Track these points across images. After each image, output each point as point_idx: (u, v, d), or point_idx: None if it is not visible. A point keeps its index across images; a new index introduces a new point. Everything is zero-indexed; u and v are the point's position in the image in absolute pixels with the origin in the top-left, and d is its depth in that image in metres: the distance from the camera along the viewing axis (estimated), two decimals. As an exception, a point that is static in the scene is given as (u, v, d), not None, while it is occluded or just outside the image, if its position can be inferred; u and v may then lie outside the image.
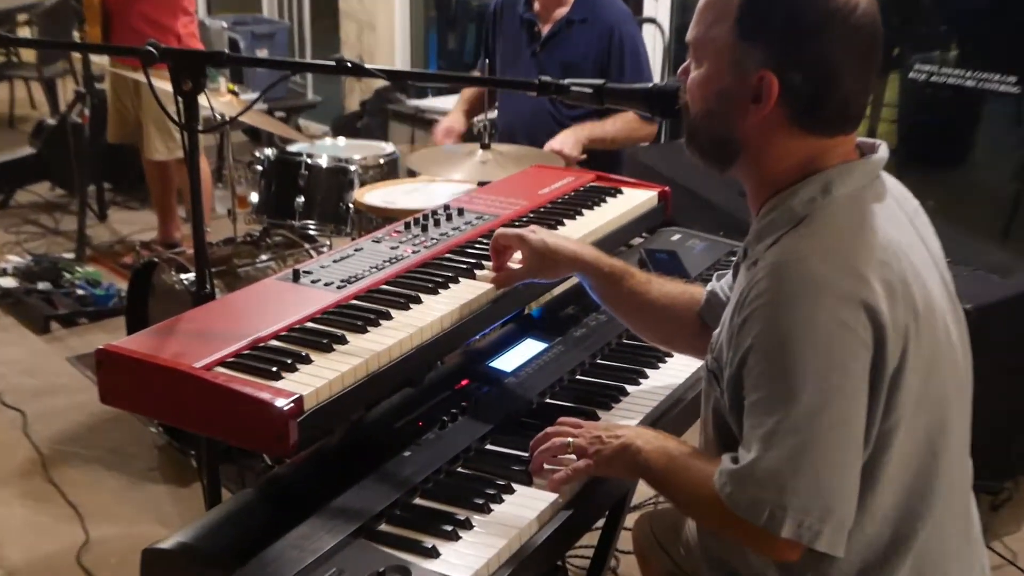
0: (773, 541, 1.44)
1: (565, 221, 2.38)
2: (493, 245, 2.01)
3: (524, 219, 2.38)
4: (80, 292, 4.77)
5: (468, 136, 3.45)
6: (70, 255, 5.30)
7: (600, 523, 2.24)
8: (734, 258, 2.08)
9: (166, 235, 5.30)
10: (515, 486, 1.72)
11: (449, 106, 5.13)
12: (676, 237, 2.76)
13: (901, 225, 1.55)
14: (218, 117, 2.67)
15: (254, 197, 3.93)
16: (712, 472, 1.50)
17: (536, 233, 1.96)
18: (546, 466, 1.74)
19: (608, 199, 2.56)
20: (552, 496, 1.69)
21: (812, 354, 1.40)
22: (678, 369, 2.17)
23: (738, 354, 1.49)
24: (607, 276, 1.95)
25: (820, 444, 1.40)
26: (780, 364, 1.42)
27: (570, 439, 1.73)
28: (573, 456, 1.72)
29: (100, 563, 2.99)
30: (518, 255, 2.02)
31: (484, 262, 2.07)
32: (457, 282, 1.99)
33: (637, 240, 2.88)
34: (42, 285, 4.84)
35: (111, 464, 3.52)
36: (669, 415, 2.02)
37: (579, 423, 1.77)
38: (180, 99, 1.92)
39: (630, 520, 2.32)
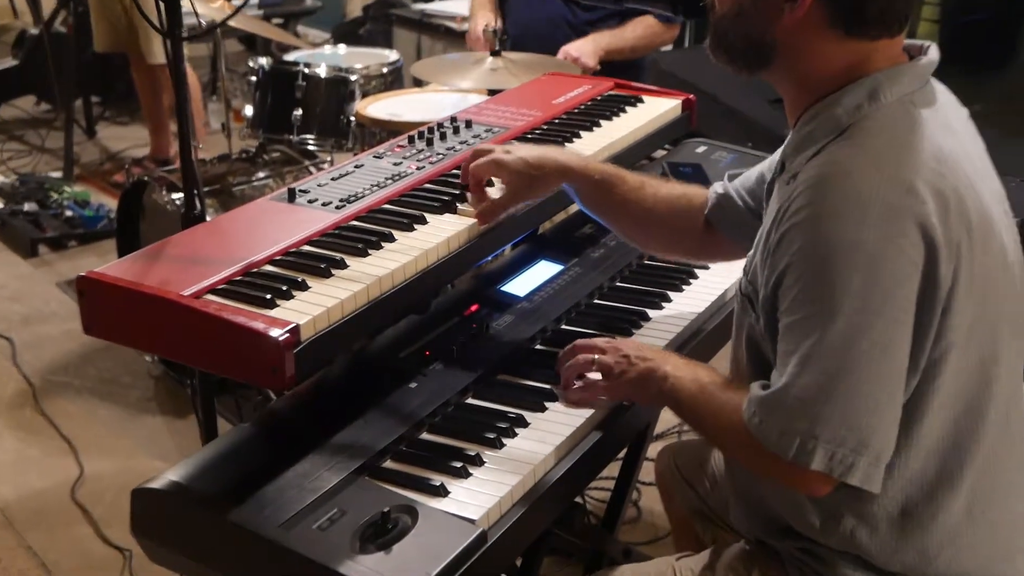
0: (803, 474, 1.43)
1: (581, 133, 2.35)
2: (467, 180, 1.96)
3: (537, 131, 2.35)
4: (69, 213, 4.76)
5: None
6: (57, 174, 5.28)
7: (620, 454, 2.23)
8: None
9: (159, 151, 5.26)
10: (529, 418, 1.71)
11: (458, 10, 5.03)
12: (701, 149, 2.73)
13: (955, 133, 1.50)
14: (204, 22, 2.61)
15: (249, 111, 3.88)
16: (741, 401, 1.49)
17: (512, 152, 1.91)
18: (574, 391, 1.74)
19: (628, 109, 2.52)
20: (569, 428, 1.69)
21: (854, 274, 1.37)
22: (703, 292, 2.15)
23: (774, 274, 1.46)
24: (598, 184, 1.91)
25: (856, 370, 1.38)
26: (819, 284, 1.40)
27: (596, 355, 1.73)
28: (599, 376, 1.72)
29: (95, 499, 3.02)
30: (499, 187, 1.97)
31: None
32: (465, 200, 1.96)
33: (659, 153, 2.84)
34: (28, 206, 4.83)
35: (105, 395, 3.53)
36: (693, 341, 2.00)
37: (609, 341, 1.77)
38: (161, 2, 1.87)
39: (652, 450, 2.32)
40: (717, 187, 1.93)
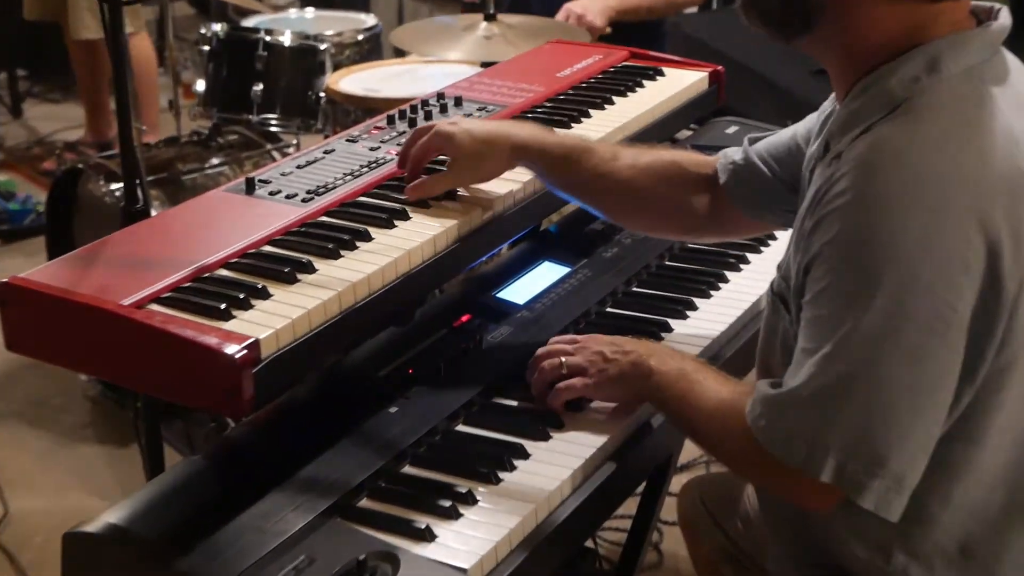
0: (810, 485, 1.45)
1: (591, 111, 2.34)
2: (404, 158, 1.96)
3: (539, 109, 2.34)
4: (-11, 207, 4.75)
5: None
6: (-23, 160, 5.29)
7: (639, 489, 2.23)
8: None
9: (96, 133, 5.27)
10: (530, 448, 1.71)
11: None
12: (732, 129, 2.72)
13: (1029, 112, 1.50)
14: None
15: (200, 85, 3.88)
16: (742, 401, 1.51)
17: (458, 124, 1.92)
18: (549, 401, 1.77)
19: (645, 82, 2.52)
20: (578, 459, 1.68)
21: (891, 269, 1.38)
22: (736, 298, 2.14)
23: (803, 262, 1.48)
24: (560, 160, 1.91)
25: (877, 376, 1.39)
26: (850, 277, 1.41)
27: (563, 358, 1.75)
28: (570, 381, 1.75)
29: (22, 542, 3.01)
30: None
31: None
32: (454, 192, 1.95)
33: (684, 134, 2.84)
34: (-57, 198, 4.82)
35: (33, 420, 3.52)
36: (724, 356, 2.00)
37: (575, 339, 1.80)
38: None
39: (676, 484, 2.31)
40: (732, 153, 1.92)
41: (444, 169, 1.93)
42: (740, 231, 2.00)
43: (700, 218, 1.95)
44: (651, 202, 1.95)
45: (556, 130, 2.02)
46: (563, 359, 1.76)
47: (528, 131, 1.93)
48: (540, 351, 1.81)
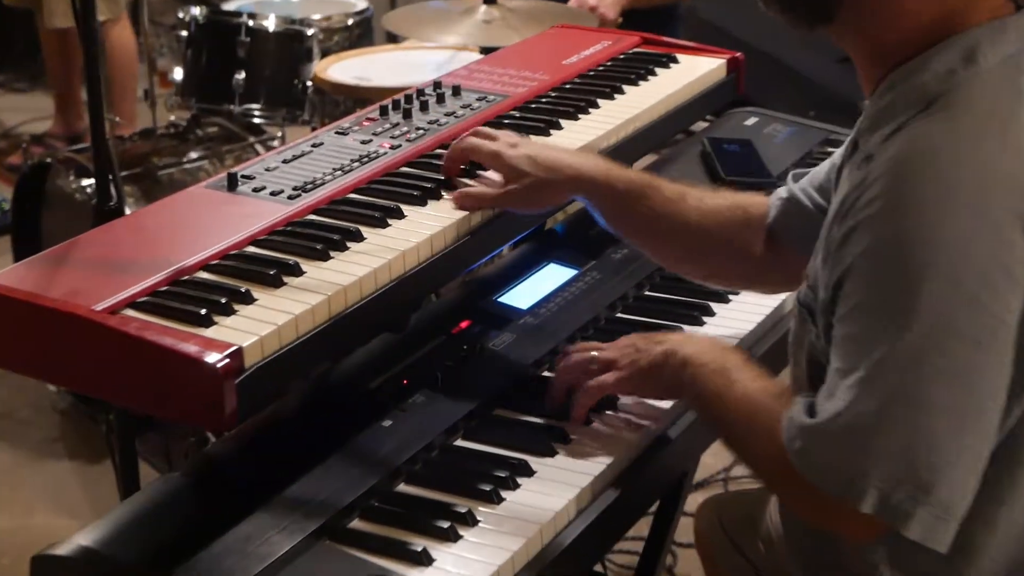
0: (850, 516, 1.44)
1: (599, 101, 2.34)
2: (456, 149, 1.96)
3: (544, 99, 2.35)
4: (-48, 204, 4.75)
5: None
6: (-62, 154, 5.29)
7: (653, 508, 2.23)
8: (831, 149, 2.05)
9: (67, 126, 5.28)
10: (535, 465, 1.70)
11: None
12: (751, 121, 2.73)
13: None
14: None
15: (178, 74, 3.88)
16: (782, 411, 1.51)
17: (517, 147, 1.91)
18: (575, 400, 1.77)
19: (658, 70, 2.52)
20: (586, 477, 1.68)
21: (932, 281, 1.38)
22: (755, 304, 2.14)
23: (836, 273, 1.47)
24: (622, 196, 1.90)
25: (921, 398, 1.39)
26: (887, 292, 1.41)
27: (594, 352, 1.76)
28: (600, 377, 1.75)
29: (-14, 566, 3.01)
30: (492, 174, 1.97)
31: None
32: (451, 188, 1.95)
33: (699, 126, 2.84)
34: (-98, 196, 4.83)
35: (0, 434, 3.52)
36: (743, 366, 1.99)
37: (602, 345, 1.81)
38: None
39: (691, 503, 2.32)
40: (781, 191, 1.93)
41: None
42: (796, 279, 1.99)
43: (763, 265, 1.94)
44: (715, 249, 1.94)
45: (613, 162, 1.98)
46: (594, 354, 1.77)
47: (594, 163, 1.92)
48: (568, 348, 1.83)
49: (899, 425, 1.40)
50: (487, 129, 2.00)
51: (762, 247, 1.93)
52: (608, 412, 1.81)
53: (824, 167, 1.88)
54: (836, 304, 1.48)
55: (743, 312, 2.12)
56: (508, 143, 1.93)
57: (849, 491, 1.42)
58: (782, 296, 2.14)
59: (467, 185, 1.94)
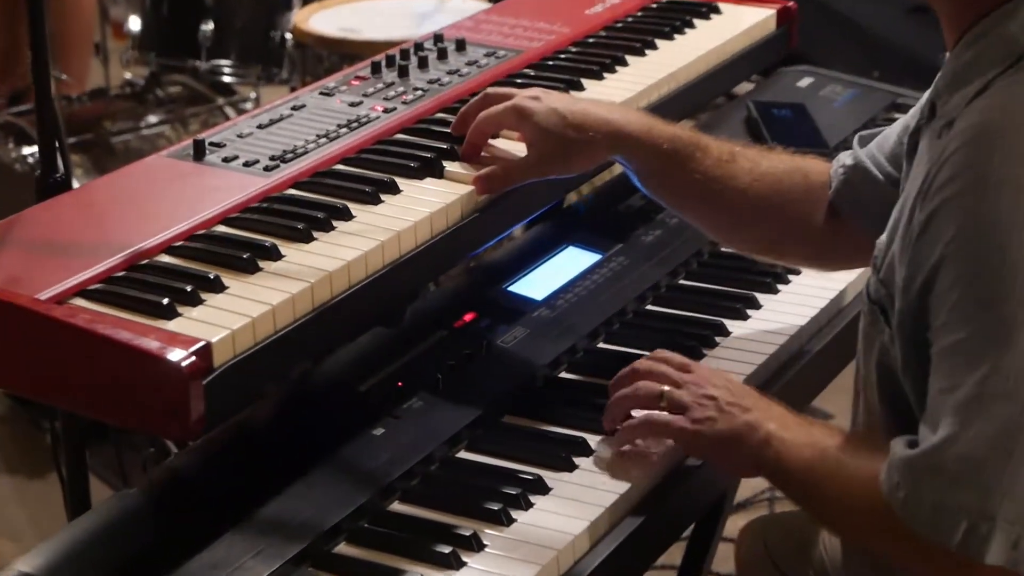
0: (972, 570, 1.42)
1: (628, 58, 2.34)
2: (464, 130, 1.96)
3: (563, 56, 2.35)
4: None
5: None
6: None
7: (687, 532, 2.24)
8: (899, 115, 2.05)
9: (12, 83, 5.27)
10: (550, 481, 1.71)
11: None
12: (805, 82, 2.74)
13: None
14: None
15: (135, 24, 3.88)
16: (878, 468, 1.48)
17: (541, 100, 1.90)
18: (625, 425, 1.75)
19: (697, 22, 2.52)
20: (611, 495, 1.69)
21: None
22: (808, 295, 2.15)
23: (920, 272, 1.47)
24: (666, 156, 1.90)
25: None
26: (988, 288, 1.40)
27: (667, 388, 1.72)
28: (666, 416, 1.72)
29: (-89, 597, 3.02)
30: (505, 144, 1.97)
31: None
32: (455, 159, 1.96)
33: (744, 87, 2.83)
34: None
35: (-74, 444, 3.54)
36: (793, 369, 2.01)
37: (687, 364, 1.77)
38: None
39: (732, 527, 2.32)
40: (844, 157, 1.93)
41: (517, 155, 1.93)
42: (864, 254, 1.98)
43: (825, 241, 1.95)
44: (770, 218, 1.95)
45: (655, 117, 1.97)
46: (666, 389, 1.73)
47: (634, 118, 1.92)
48: (640, 364, 1.78)
49: (1023, 452, 1.38)
50: (499, 89, 2.00)
51: (823, 220, 1.93)
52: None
53: (896, 129, 1.87)
54: (927, 311, 1.46)
55: (794, 305, 2.13)
56: (528, 96, 1.92)
57: (970, 539, 1.40)
58: (840, 286, 2.14)
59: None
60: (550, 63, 2.31)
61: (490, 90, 1.99)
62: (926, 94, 1.65)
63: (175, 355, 1.49)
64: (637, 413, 1.76)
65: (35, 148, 3.26)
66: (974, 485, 1.39)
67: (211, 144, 1.97)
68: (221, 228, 1.77)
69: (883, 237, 1.62)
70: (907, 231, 1.51)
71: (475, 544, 1.59)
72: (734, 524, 2.34)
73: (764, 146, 2.01)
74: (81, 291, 1.61)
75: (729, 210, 1.95)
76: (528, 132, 1.90)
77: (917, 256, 1.47)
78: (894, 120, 1.95)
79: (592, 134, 1.88)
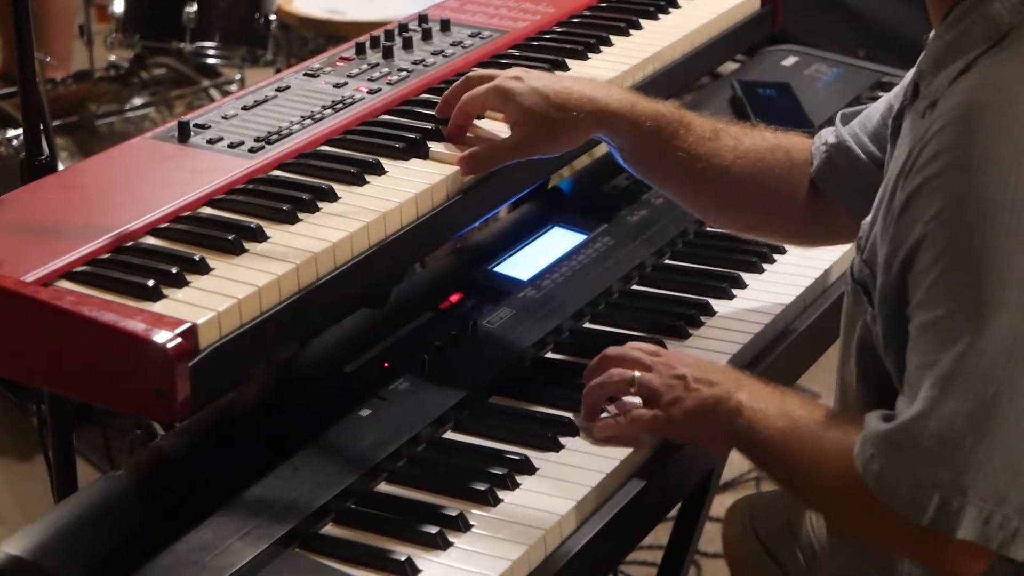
0: (945, 545, 1.43)
1: (612, 38, 2.34)
2: (448, 112, 1.96)
3: (548, 35, 2.35)
4: None
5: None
6: None
7: (673, 512, 2.25)
8: (882, 93, 2.05)
9: (10, 67, 5.25)
10: (537, 461, 1.71)
11: None
12: (790, 61, 2.74)
13: None
14: None
15: (119, 6, 3.87)
16: (853, 442, 1.49)
17: (523, 80, 1.90)
18: (600, 426, 1.76)
19: (681, 1, 2.52)
20: (597, 475, 1.69)
21: (1022, 250, 1.38)
22: (794, 274, 2.16)
23: (901, 249, 1.47)
24: (649, 134, 1.90)
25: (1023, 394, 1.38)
26: (968, 266, 1.40)
27: (636, 372, 1.73)
28: (638, 400, 1.73)
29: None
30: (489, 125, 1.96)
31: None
32: (440, 139, 1.96)
33: (729, 66, 2.83)
34: None
35: (-88, 428, 3.53)
36: (778, 348, 2.01)
37: (657, 350, 1.78)
38: None
39: (719, 506, 2.32)
40: (826, 134, 1.94)
41: (500, 135, 1.93)
42: (844, 233, 1.98)
43: (807, 218, 1.96)
44: (752, 195, 1.95)
45: (638, 94, 1.97)
46: (637, 374, 1.74)
47: (617, 95, 1.92)
48: (611, 351, 1.79)
49: (1000, 427, 1.38)
50: (481, 71, 1.99)
51: (805, 197, 1.94)
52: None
53: (879, 108, 1.88)
54: (906, 289, 1.47)
55: (779, 284, 2.13)
56: (510, 76, 1.92)
57: (942, 515, 1.40)
58: (825, 265, 2.15)
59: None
60: (535, 43, 2.31)
61: (472, 72, 1.99)
62: (909, 74, 1.65)
63: (161, 337, 1.49)
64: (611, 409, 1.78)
65: (19, 131, 3.26)
66: (947, 461, 1.40)
67: (196, 126, 1.97)
68: (206, 210, 1.77)
69: (868, 218, 1.62)
70: (888, 209, 1.51)
71: (462, 524, 1.60)
72: (721, 504, 2.35)
73: (747, 123, 2.01)
74: (66, 273, 1.61)
75: (712, 187, 1.95)
76: (512, 112, 1.90)
77: (898, 233, 1.47)
78: (879, 99, 1.95)
79: (575, 112, 1.88)
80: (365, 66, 2.19)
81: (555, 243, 2.20)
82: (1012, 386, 1.38)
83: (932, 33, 1.58)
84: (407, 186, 1.85)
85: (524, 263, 2.14)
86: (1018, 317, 1.38)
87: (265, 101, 2.07)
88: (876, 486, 1.45)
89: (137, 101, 3.64)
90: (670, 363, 1.73)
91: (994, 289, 1.38)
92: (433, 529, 1.58)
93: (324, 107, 2.04)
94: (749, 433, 1.62)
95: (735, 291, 2.11)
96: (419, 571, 1.53)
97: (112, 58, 3.92)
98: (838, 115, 1.96)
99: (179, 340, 1.50)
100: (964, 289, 1.40)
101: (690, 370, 1.71)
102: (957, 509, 1.40)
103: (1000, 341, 1.38)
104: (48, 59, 3.89)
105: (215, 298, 1.59)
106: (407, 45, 2.25)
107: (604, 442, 1.75)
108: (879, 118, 1.87)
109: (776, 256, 2.20)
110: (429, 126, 1.98)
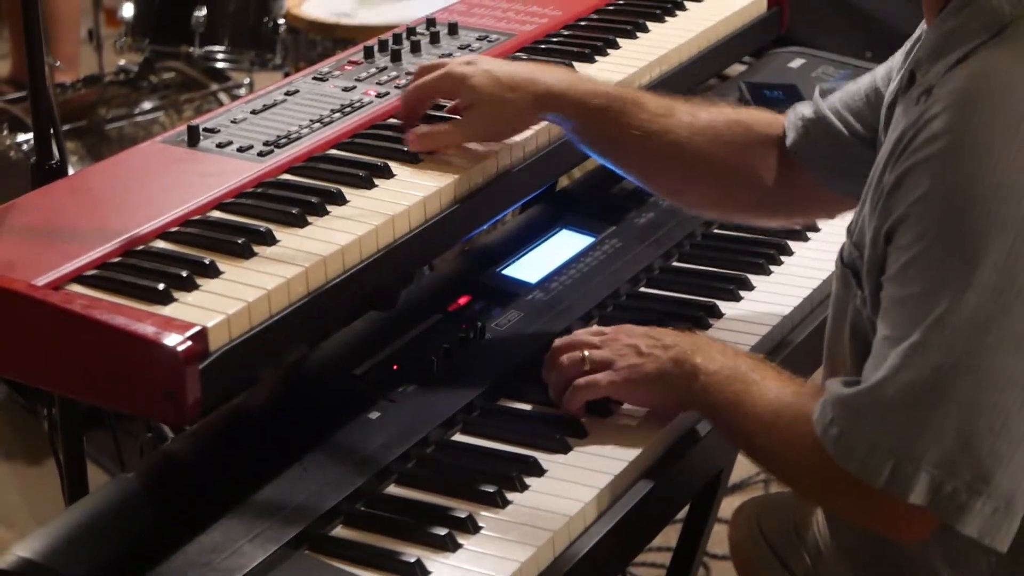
0: (895, 508, 1.45)
1: (619, 41, 2.34)
2: (406, 99, 1.98)
3: (555, 38, 2.35)
4: None
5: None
6: None
7: (682, 514, 2.25)
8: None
9: (20, 71, 5.26)
10: (545, 463, 1.72)
11: None
12: (797, 63, 2.73)
13: None
14: None
15: (128, 10, 3.88)
16: (811, 405, 1.51)
17: (475, 63, 1.92)
18: (564, 400, 1.78)
19: (688, 4, 2.52)
20: (606, 476, 1.69)
21: (999, 236, 1.39)
22: (802, 276, 2.16)
23: (885, 224, 1.48)
24: (599, 113, 1.91)
25: (982, 369, 1.40)
26: (947, 246, 1.42)
27: (586, 352, 1.77)
28: (591, 376, 1.76)
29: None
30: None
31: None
32: (450, 143, 1.96)
33: (736, 68, 2.83)
34: None
35: (-77, 431, 3.54)
36: (787, 348, 2.02)
37: (603, 330, 1.81)
38: None
39: (727, 508, 2.32)
40: (802, 108, 1.94)
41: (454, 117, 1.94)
42: (818, 208, 1.99)
43: (770, 193, 1.96)
44: (710, 172, 1.96)
45: (588, 75, 2.00)
46: (586, 353, 1.77)
47: (560, 76, 1.93)
48: (558, 342, 1.82)
49: (956, 399, 1.40)
50: (433, 61, 2.01)
51: (774, 172, 1.94)
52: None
53: (862, 85, 1.89)
54: (885, 261, 1.49)
55: (787, 286, 2.13)
56: (461, 61, 1.94)
57: (895, 479, 1.42)
58: (831, 268, 2.15)
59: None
60: (542, 46, 2.30)
61: (424, 63, 2.01)
62: (898, 54, 1.65)
63: (171, 340, 1.50)
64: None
65: (30, 135, 3.27)
66: (903, 426, 1.42)
67: (205, 130, 1.97)
68: (216, 213, 1.77)
69: (859, 205, 1.63)
70: (877, 190, 1.52)
71: (471, 526, 1.60)
72: (729, 505, 2.34)
73: (705, 99, 2.02)
74: (77, 277, 1.61)
75: (669, 164, 1.96)
76: (464, 95, 1.92)
77: (885, 211, 1.49)
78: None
79: (522, 93, 1.89)
80: (373, 70, 2.19)
81: (563, 245, 2.20)
82: (972, 361, 1.40)
83: (926, 25, 1.59)
84: (415, 189, 1.85)
85: (532, 265, 2.14)
86: (986, 297, 1.39)
87: (274, 105, 2.07)
88: (834, 449, 1.47)
89: (146, 105, 3.64)
90: (617, 336, 1.77)
91: (968, 269, 1.40)
92: (442, 531, 1.58)
93: (333, 111, 2.04)
94: (705, 396, 1.66)
95: (742, 293, 2.10)
96: (428, 572, 1.53)
97: (121, 62, 3.93)
98: (816, 89, 1.96)
99: (189, 343, 1.50)
100: (939, 267, 1.42)
101: (640, 339, 1.75)
102: (910, 474, 1.42)
103: (966, 319, 1.40)
104: (57, 63, 3.90)
105: (225, 301, 1.59)
106: (415, 49, 2.25)
107: (578, 413, 1.77)
108: (862, 96, 1.87)
109: (783, 258, 2.19)
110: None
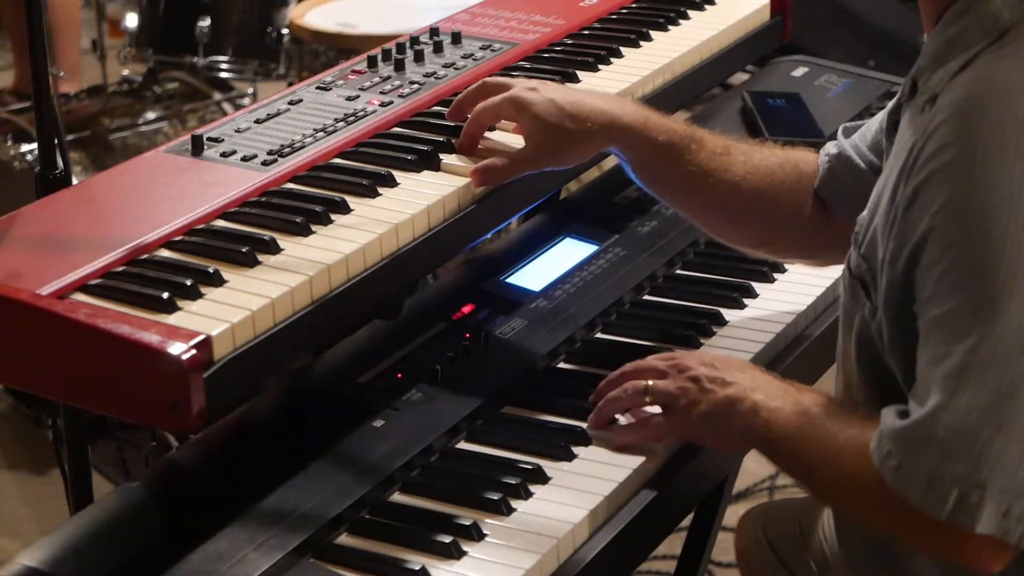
0: (965, 540, 1.43)
1: (623, 50, 2.35)
2: (460, 116, 1.97)
3: (558, 47, 2.35)
4: None
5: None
6: None
7: (686, 521, 2.24)
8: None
9: (23, 82, 5.27)
10: (549, 470, 1.72)
11: None
12: (800, 72, 2.74)
13: None
14: None
15: (132, 21, 3.88)
16: (869, 438, 1.49)
17: (539, 90, 1.91)
18: (616, 434, 1.76)
19: (691, 13, 2.52)
20: (609, 484, 1.69)
21: None
22: (805, 283, 2.16)
23: (907, 245, 1.47)
24: (663, 149, 1.91)
25: None
26: (975, 258, 1.40)
27: (650, 382, 1.73)
28: (657, 410, 1.73)
29: (-85, 593, 3.03)
30: (501, 137, 1.96)
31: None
32: (452, 151, 1.96)
33: (739, 77, 2.83)
34: None
35: (-72, 441, 3.54)
36: (791, 356, 2.02)
37: (671, 355, 1.78)
38: None
39: (732, 516, 2.32)
40: (829, 147, 1.94)
41: (512, 147, 1.93)
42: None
43: (815, 232, 1.95)
44: (763, 211, 1.95)
45: (653, 111, 1.96)
46: (650, 383, 1.73)
47: (629, 109, 1.92)
48: (629, 365, 1.78)
49: (1014, 421, 1.39)
50: (497, 79, 2.00)
51: (818, 212, 1.94)
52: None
53: (878, 119, 1.88)
54: (912, 285, 1.47)
55: (790, 293, 2.13)
56: (526, 87, 1.92)
57: (961, 509, 1.40)
58: (835, 274, 2.14)
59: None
60: (545, 55, 2.31)
61: (488, 79, 1.99)
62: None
63: (175, 349, 1.50)
64: (622, 419, 1.78)
65: (34, 145, 3.27)
66: (965, 454, 1.40)
67: (209, 139, 1.97)
68: (220, 222, 1.78)
69: (864, 213, 1.63)
70: (891, 206, 1.51)
71: (475, 534, 1.60)
72: (734, 513, 2.34)
73: (757, 140, 2.01)
74: (81, 286, 1.62)
75: (723, 203, 1.95)
76: (526, 123, 1.90)
77: (904, 229, 1.48)
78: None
79: (589, 125, 1.88)
80: (377, 79, 2.19)
81: (567, 254, 2.20)
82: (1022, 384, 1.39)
83: (925, 33, 1.59)
84: (419, 198, 1.85)
85: (536, 274, 2.15)
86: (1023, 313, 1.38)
87: (278, 114, 2.07)
88: (894, 482, 1.45)
89: (150, 115, 3.65)
90: (683, 365, 1.73)
91: (1004, 278, 1.39)
92: (447, 538, 1.58)
93: (336, 120, 2.04)
94: (766, 433, 1.62)
95: (746, 301, 2.11)
96: (433, 580, 1.54)
97: (125, 73, 3.93)
98: (840, 128, 1.96)
99: (194, 352, 1.51)
100: (973, 280, 1.41)
101: (704, 370, 1.70)
102: (976, 503, 1.40)
103: (1013, 331, 1.39)
104: (60, 73, 3.90)
105: (229, 310, 1.59)
106: (419, 58, 2.26)
107: (622, 449, 1.74)
108: (877, 127, 1.87)
109: (787, 266, 2.19)
110: (441, 138, 1.98)
